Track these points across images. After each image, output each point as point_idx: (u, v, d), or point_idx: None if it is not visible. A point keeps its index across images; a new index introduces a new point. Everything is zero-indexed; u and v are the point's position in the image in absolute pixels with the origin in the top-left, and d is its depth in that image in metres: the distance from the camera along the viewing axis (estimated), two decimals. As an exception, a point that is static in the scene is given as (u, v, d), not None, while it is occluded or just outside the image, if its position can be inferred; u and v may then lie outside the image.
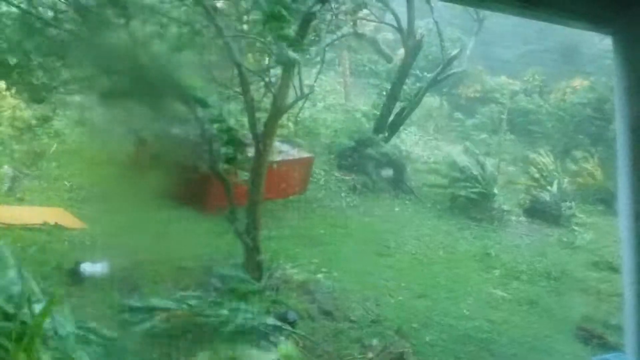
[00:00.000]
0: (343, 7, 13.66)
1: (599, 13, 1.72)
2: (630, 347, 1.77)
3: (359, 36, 16.71)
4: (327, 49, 13.46)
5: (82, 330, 6.90)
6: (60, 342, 6.35)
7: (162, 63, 8.18)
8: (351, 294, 10.48)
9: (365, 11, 16.65)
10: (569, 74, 21.14)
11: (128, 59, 8.04)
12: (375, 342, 9.10)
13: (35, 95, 8.98)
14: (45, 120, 9.99)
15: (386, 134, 16.62)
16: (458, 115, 21.54)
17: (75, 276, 9.31)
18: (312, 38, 11.14)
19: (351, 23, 15.63)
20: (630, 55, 1.73)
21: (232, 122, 9.36)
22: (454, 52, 17.32)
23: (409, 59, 16.89)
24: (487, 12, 17.95)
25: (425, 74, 18.82)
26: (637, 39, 1.71)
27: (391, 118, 16.97)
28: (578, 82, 20.87)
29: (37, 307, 6.42)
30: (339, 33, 14.05)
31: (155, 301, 8.29)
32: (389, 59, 18.60)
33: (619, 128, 1.77)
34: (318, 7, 9.47)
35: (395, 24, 16.93)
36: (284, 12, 8.05)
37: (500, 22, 19.12)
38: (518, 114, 20.96)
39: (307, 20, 9.52)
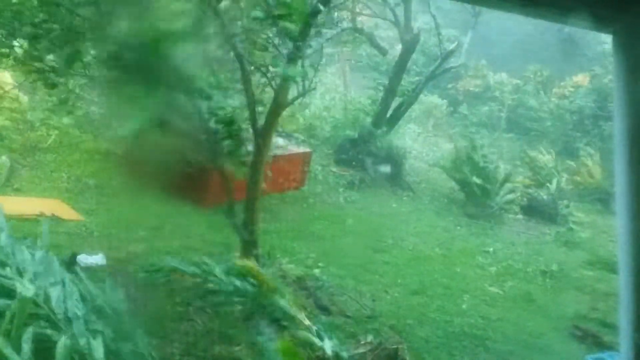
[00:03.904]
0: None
1: (599, 12, 1.71)
2: (624, 346, 1.77)
3: (357, 30, 16.68)
4: (325, 43, 13.40)
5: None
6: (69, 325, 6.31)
7: (163, 54, 8.14)
8: (347, 289, 10.49)
9: (362, 5, 16.66)
10: (571, 70, 21.14)
11: (127, 50, 8.00)
12: (370, 337, 9.11)
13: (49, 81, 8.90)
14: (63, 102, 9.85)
15: (384, 129, 16.64)
16: (457, 112, 21.55)
17: (71, 267, 9.30)
18: (313, 33, 11.08)
19: (349, 17, 15.62)
20: (631, 54, 1.73)
21: (232, 116, 9.32)
22: (451, 46, 17.39)
23: (407, 54, 16.91)
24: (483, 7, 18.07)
25: (424, 69, 18.88)
26: (637, 38, 1.70)
27: (390, 113, 16.99)
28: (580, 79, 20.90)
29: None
30: (338, 28, 14.02)
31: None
32: (384, 52, 18.60)
33: (618, 127, 1.76)
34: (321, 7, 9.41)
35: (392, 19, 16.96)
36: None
37: (501, 16, 19.11)
38: (518, 111, 20.99)
39: (312, 15, 9.47)
